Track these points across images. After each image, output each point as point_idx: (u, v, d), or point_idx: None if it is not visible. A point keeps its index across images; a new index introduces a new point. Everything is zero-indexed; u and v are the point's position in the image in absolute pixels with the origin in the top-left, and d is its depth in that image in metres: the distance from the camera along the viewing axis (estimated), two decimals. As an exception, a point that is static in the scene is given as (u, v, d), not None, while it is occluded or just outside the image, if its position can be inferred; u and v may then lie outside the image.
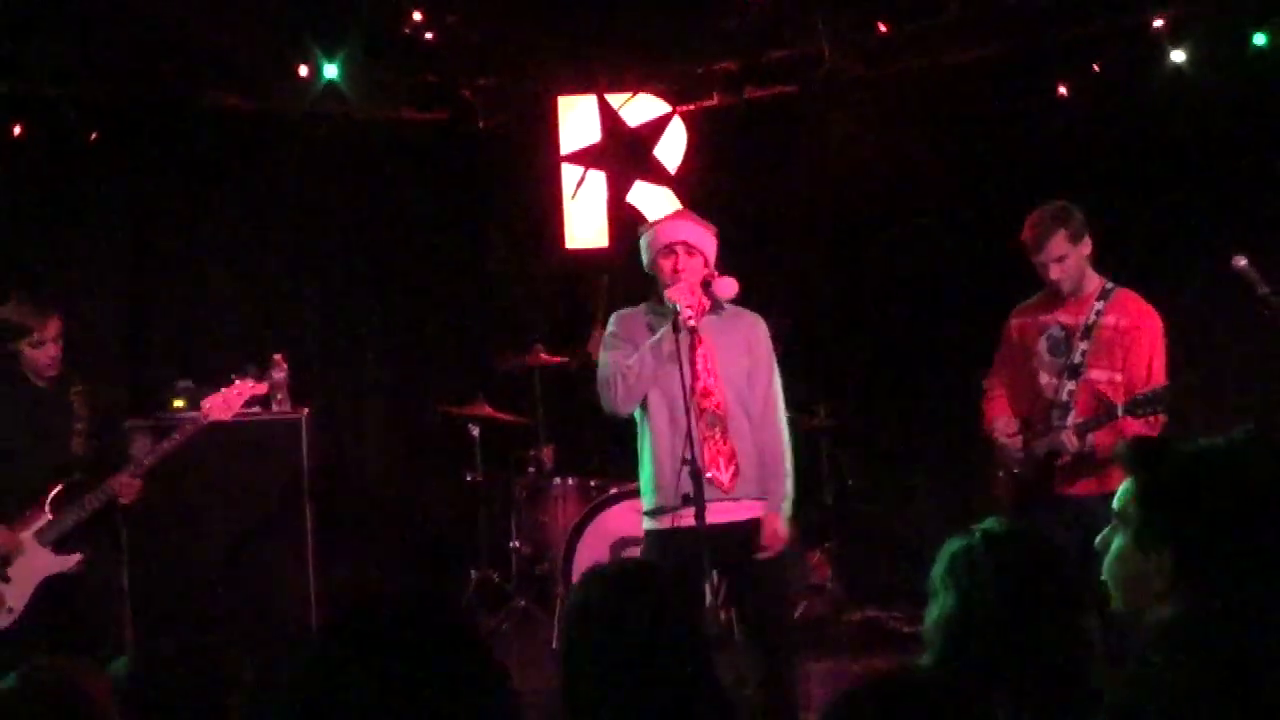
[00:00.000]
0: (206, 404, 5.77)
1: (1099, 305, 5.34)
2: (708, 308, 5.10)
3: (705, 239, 5.13)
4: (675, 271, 5.04)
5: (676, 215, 5.35)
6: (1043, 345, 5.42)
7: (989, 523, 2.77)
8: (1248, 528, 2.22)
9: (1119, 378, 5.27)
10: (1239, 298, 5.30)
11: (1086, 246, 5.33)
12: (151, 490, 5.69)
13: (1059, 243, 5.28)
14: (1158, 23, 6.83)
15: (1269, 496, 2.23)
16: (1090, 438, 5.19)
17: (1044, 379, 5.40)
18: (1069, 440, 5.21)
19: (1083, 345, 5.31)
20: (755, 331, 5.22)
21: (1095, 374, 5.29)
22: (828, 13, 7.53)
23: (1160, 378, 5.23)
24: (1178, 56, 6.78)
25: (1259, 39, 6.57)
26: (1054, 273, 5.31)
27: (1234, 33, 6.63)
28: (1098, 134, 7.17)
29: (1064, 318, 5.40)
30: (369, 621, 1.81)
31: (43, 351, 5.61)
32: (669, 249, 5.07)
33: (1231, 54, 6.67)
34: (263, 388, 6.01)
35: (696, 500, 4.64)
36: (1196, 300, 6.50)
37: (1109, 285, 5.39)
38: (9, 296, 5.72)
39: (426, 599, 1.83)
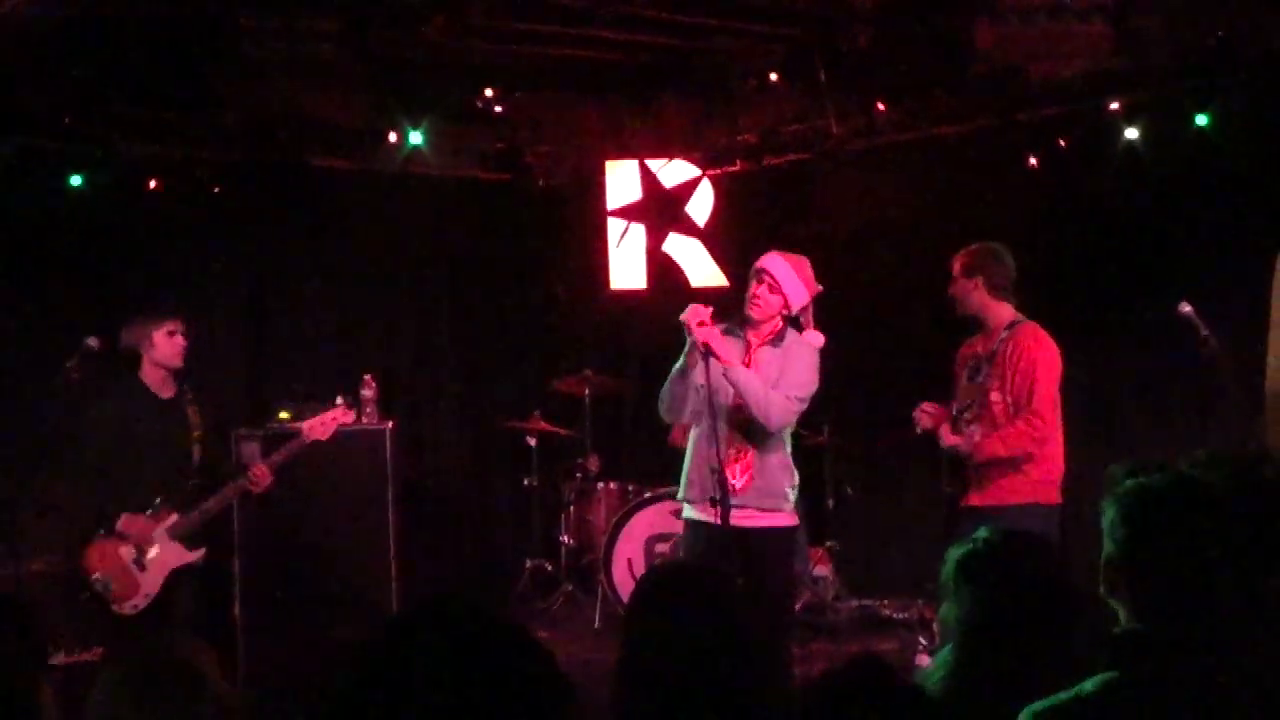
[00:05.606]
0: (306, 426, 5.67)
1: (1004, 335, 5.13)
2: (773, 335, 4.84)
3: (795, 287, 4.80)
4: (753, 295, 4.79)
5: (783, 254, 4.87)
6: (964, 373, 5.27)
7: (985, 531, 2.62)
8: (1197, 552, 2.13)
9: (1009, 398, 5.04)
10: (1183, 337, 5.26)
11: (976, 284, 5.17)
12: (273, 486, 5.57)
13: (953, 266, 5.23)
14: (1114, 105, 6.81)
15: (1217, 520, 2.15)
16: (970, 435, 5.06)
17: (963, 401, 5.23)
18: (943, 439, 5.14)
19: (986, 369, 5.13)
20: (788, 355, 4.84)
21: (994, 395, 5.06)
22: (835, 94, 7.54)
23: (1042, 402, 4.98)
24: (1131, 134, 6.76)
25: (1200, 119, 6.53)
26: (949, 288, 5.25)
27: (1179, 115, 6.59)
28: (1063, 199, 7.13)
29: (979, 347, 5.23)
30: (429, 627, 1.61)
31: (161, 352, 5.42)
32: (757, 273, 4.81)
33: (1177, 132, 6.63)
34: (349, 417, 5.86)
35: (722, 503, 4.53)
36: (1147, 339, 6.46)
37: (1018, 319, 5.17)
38: (118, 333, 5.46)
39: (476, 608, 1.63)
